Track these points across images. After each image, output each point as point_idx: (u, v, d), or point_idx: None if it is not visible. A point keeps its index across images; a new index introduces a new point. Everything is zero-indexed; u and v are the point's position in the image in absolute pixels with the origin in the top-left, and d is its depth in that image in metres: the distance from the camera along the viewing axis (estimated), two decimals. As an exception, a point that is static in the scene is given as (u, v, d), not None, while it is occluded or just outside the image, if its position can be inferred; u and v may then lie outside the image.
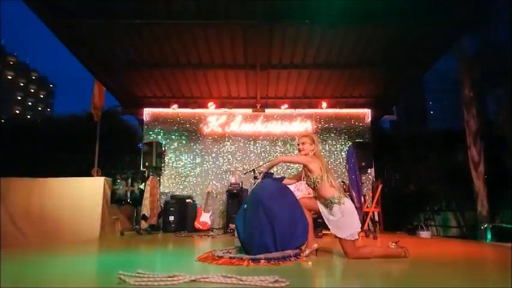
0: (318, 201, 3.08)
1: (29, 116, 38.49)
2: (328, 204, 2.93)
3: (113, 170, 6.75)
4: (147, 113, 7.67)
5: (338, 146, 7.51)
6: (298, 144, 3.28)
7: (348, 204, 2.91)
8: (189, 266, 2.68)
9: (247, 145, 7.55)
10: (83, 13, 4.87)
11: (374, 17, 4.87)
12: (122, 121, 8.72)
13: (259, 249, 2.86)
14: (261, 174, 3.33)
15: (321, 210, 3.02)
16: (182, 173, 7.40)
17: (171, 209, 6.42)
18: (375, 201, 5.90)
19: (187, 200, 6.68)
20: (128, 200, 6.11)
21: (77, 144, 7.43)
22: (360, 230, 2.92)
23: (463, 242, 5.24)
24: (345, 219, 2.85)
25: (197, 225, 6.32)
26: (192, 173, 7.40)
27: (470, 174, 5.09)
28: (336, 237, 2.93)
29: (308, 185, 3.12)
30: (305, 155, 3.18)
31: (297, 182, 3.41)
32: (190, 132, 7.59)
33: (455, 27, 5.04)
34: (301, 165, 3.21)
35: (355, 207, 3.13)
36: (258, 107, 7.47)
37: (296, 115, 7.58)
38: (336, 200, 2.90)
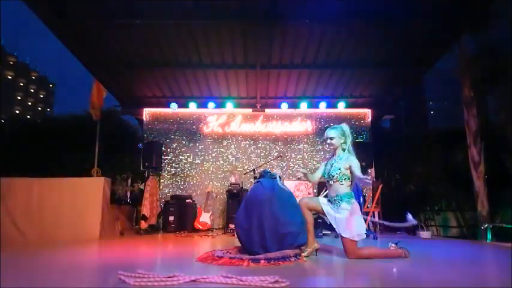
0: (320, 200, 3.05)
1: (29, 116, 38.54)
2: (338, 201, 2.90)
3: (112, 170, 6.76)
4: (147, 113, 7.66)
5: (338, 146, 7.50)
6: (326, 139, 3.06)
7: (356, 205, 2.92)
8: (189, 266, 2.68)
9: (247, 145, 7.55)
10: (83, 13, 4.87)
11: (374, 17, 4.87)
12: (121, 121, 8.72)
13: (258, 250, 2.87)
14: (258, 172, 3.32)
15: (325, 209, 2.96)
16: (182, 173, 7.39)
17: (171, 209, 6.41)
18: (374, 201, 5.89)
19: (187, 200, 6.68)
20: (128, 200, 6.11)
21: (77, 144, 7.42)
22: (364, 232, 2.90)
23: (463, 242, 5.24)
24: (351, 219, 2.84)
25: (197, 225, 6.32)
26: (192, 173, 7.40)
27: (470, 174, 5.08)
28: (339, 235, 2.91)
29: (331, 177, 2.94)
30: (335, 149, 3.03)
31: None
32: (190, 132, 7.58)
33: (455, 27, 5.04)
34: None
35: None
36: (258, 107, 7.47)
37: (296, 115, 7.58)
38: (347, 199, 2.89)
